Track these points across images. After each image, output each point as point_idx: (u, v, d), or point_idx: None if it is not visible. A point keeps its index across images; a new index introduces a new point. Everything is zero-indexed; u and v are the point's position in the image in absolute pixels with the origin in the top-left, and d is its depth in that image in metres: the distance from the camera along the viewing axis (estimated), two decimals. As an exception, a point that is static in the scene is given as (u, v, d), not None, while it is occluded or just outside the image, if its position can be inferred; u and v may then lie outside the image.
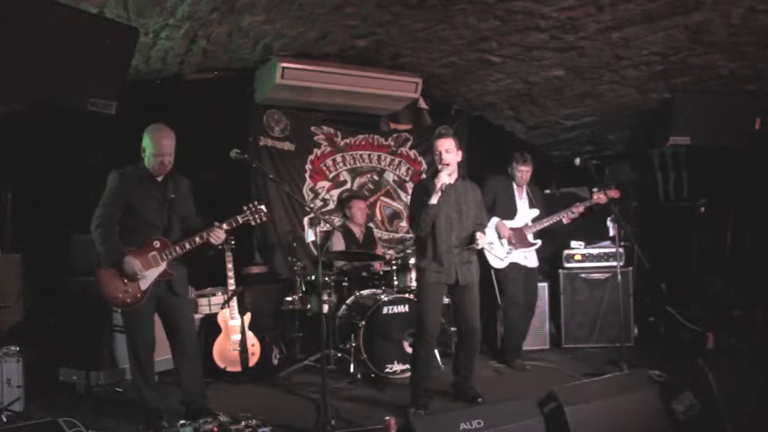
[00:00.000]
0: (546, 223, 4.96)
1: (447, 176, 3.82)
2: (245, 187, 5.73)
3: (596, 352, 5.39)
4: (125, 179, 3.56)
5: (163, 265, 3.58)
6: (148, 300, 3.55)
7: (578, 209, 4.95)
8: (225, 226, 3.67)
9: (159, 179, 3.65)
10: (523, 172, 4.98)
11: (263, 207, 3.76)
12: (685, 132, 5.47)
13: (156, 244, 3.57)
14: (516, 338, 5.08)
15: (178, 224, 3.71)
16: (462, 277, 3.94)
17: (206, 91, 5.56)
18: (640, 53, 4.99)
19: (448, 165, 3.86)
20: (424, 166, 6.79)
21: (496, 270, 4.97)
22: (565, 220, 4.98)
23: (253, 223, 3.76)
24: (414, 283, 5.02)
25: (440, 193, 3.79)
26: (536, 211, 5.02)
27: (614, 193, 4.94)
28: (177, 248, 3.59)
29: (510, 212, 4.97)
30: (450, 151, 3.87)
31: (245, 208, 3.73)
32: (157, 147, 3.54)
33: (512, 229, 4.92)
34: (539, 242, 5.00)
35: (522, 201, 5.06)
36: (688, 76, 5.30)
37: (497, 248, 4.90)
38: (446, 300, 4.22)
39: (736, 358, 4.83)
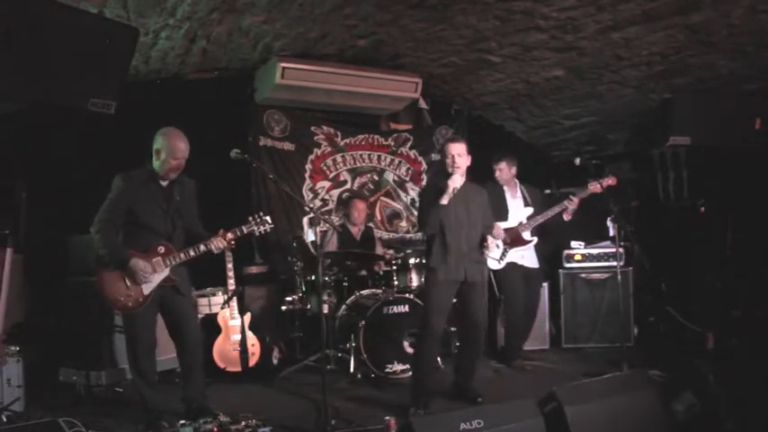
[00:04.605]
0: (541, 219, 4.91)
1: (460, 178, 3.89)
2: (246, 187, 5.73)
3: (596, 352, 5.39)
4: (130, 183, 3.54)
5: (166, 271, 3.57)
6: (151, 303, 3.54)
7: (573, 201, 4.82)
8: (230, 235, 3.66)
9: (165, 183, 3.63)
10: (497, 170, 5.02)
11: (267, 218, 3.76)
12: (685, 132, 5.46)
13: (161, 249, 3.57)
14: (517, 339, 5.08)
15: (182, 230, 3.70)
16: (471, 275, 3.97)
17: (206, 91, 5.56)
18: (640, 53, 4.99)
19: (459, 168, 3.92)
20: (424, 166, 6.80)
21: (495, 271, 4.95)
22: (566, 217, 4.89)
23: (257, 234, 3.76)
24: (414, 284, 5.03)
25: (451, 194, 3.84)
26: (530, 210, 4.99)
27: (611, 181, 4.83)
28: (182, 255, 3.58)
29: (501, 215, 4.92)
30: (461, 155, 3.94)
31: (250, 218, 3.73)
32: (174, 149, 3.53)
33: (505, 229, 4.87)
34: (535, 239, 4.96)
35: (515, 201, 5.04)
36: (688, 76, 5.30)
37: (492, 250, 4.87)
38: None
39: (736, 358, 4.84)
